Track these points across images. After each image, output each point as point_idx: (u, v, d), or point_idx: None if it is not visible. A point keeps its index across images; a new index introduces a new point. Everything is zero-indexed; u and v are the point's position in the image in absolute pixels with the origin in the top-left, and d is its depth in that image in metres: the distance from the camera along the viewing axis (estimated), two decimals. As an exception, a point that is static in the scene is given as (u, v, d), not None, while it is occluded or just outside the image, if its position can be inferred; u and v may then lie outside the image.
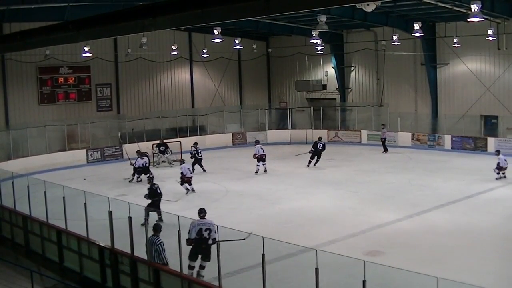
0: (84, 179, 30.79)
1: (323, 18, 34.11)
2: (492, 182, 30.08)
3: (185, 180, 29.00)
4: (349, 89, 51.98)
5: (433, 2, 33.13)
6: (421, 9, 37.92)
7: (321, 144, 36.07)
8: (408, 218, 23.38)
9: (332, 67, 52.02)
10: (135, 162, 31.81)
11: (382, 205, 25.68)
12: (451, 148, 41.98)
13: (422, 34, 37.61)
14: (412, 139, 44.15)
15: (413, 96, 47.59)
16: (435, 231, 21.47)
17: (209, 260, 15.86)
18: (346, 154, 41.14)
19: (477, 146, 40.96)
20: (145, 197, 22.67)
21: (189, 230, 15.84)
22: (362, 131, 46.81)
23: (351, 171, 34.66)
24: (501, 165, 31.17)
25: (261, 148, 34.86)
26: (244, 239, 15.79)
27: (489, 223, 22.38)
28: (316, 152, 35.93)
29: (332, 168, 36.15)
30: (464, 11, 32.19)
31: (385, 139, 42.12)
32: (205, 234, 16.00)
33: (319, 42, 41.18)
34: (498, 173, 31.13)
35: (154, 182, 23.42)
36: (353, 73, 51.70)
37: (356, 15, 38.73)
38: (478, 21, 29.65)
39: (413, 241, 20.20)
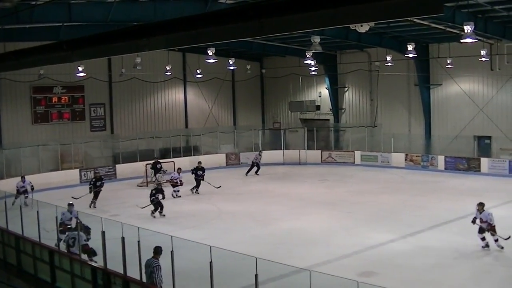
0: (73, 197, 30.60)
1: (316, 39, 34.25)
2: (486, 203, 29.99)
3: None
4: (343, 110, 52.08)
5: (426, 23, 33.28)
6: (415, 30, 38.08)
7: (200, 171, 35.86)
8: (402, 239, 23.36)
9: (326, 88, 52.16)
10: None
11: (376, 226, 25.65)
12: (445, 168, 42.06)
13: (416, 55, 37.75)
14: (406, 159, 44.20)
15: (407, 117, 47.71)
16: (429, 251, 21.44)
17: None
18: (339, 175, 41.14)
19: (471, 166, 41.04)
20: None
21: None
22: (355, 151, 46.84)
23: (345, 192, 34.65)
24: (484, 221, 22.03)
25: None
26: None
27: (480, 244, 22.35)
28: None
29: (325, 189, 36.16)
30: (457, 32, 32.32)
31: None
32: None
33: (312, 62, 41.36)
34: (483, 238, 21.79)
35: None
36: (346, 93, 51.82)
37: (350, 36, 38.87)
38: (471, 42, 29.75)
39: (407, 262, 20.15)
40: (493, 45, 40.18)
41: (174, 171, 34.91)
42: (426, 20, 32.17)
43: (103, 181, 32.28)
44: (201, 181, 34.62)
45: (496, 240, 21.38)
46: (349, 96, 51.86)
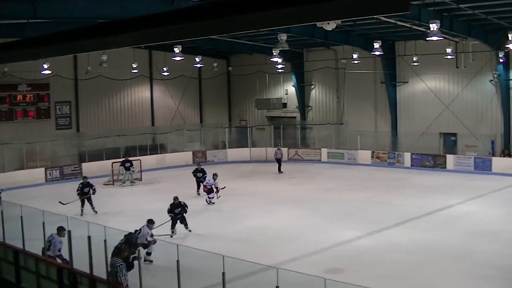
0: (60, 202, 30.05)
1: (283, 37, 34.27)
2: (451, 199, 30.32)
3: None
4: (309, 108, 52.20)
5: (393, 21, 33.43)
6: (381, 28, 38.26)
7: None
8: (368, 236, 23.45)
9: (293, 86, 52.25)
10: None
11: (343, 223, 25.74)
12: (411, 165, 42.34)
13: (382, 53, 37.92)
14: (372, 157, 44.41)
15: (373, 114, 47.95)
16: (396, 248, 21.54)
17: None
18: (306, 172, 41.19)
19: (436, 163, 41.34)
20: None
21: None
22: (322, 149, 46.94)
23: (312, 189, 34.72)
24: None
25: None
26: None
27: (449, 240, 22.53)
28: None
29: (293, 186, 36.20)
30: (424, 30, 32.53)
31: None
32: None
33: (279, 60, 41.41)
34: None
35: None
36: (313, 91, 51.95)
37: (317, 34, 38.95)
38: (437, 40, 30.11)
39: (374, 258, 20.23)
40: (458, 43, 40.61)
41: (209, 177, 31.69)
42: (392, 18, 32.33)
43: (93, 187, 29.32)
44: (202, 183, 32.97)
45: None
46: (316, 94, 51.99)
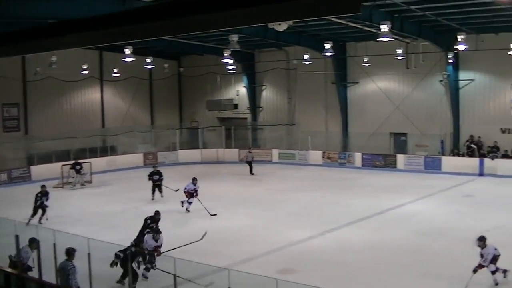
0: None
1: (235, 38, 34.29)
2: (402, 198, 30.59)
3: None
4: (261, 108, 52.27)
5: (344, 22, 33.63)
6: (332, 29, 38.46)
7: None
8: (320, 236, 23.50)
9: (244, 87, 52.31)
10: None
11: (294, 223, 25.76)
12: (362, 165, 42.68)
13: (333, 54, 38.20)
14: (323, 157, 44.64)
15: (324, 115, 48.19)
16: (348, 247, 21.63)
17: None
18: (258, 173, 41.16)
19: (387, 163, 41.71)
20: None
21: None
22: (273, 150, 47.03)
23: (263, 190, 34.74)
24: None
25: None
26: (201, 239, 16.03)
27: (400, 239, 22.71)
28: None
29: (244, 187, 36.19)
30: (374, 31, 32.78)
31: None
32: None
33: (230, 61, 41.48)
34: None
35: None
36: (264, 92, 52.02)
37: (268, 35, 38.99)
38: (388, 40, 30.37)
39: (326, 258, 20.27)
40: (409, 44, 41.05)
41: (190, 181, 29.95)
42: (343, 19, 32.53)
43: (48, 196, 27.58)
44: (160, 186, 32.36)
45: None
46: (267, 95, 52.08)
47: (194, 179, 29.37)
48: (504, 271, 16.48)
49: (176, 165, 44.67)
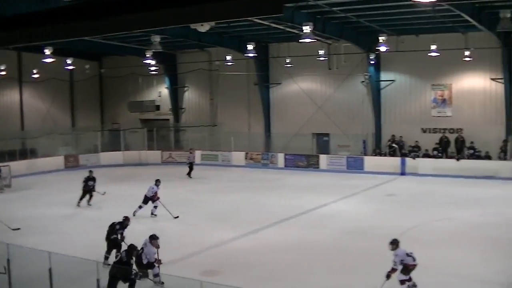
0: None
1: (157, 39, 34.10)
2: (325, 198, 30.82)
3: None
4: (183, 110, 52.07)
5: (267, 23, 33.74)
6: (255, 30, 38.55)
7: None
8: (244, 237, 23.46)
9: (166, 88, 52.07)
10: None
11: (218, 224, 25.66)
12: (285, 166, 42.91)
13: (256, 55, 38.32)
14: (246, 158, 44.72)
15: (247, 116, 48.29)
16: (272, 248, 21.65)
17: None
18: (180, 174, 40.95)
19: (310, 163, 42.03)
20: None
21: None
22: (196, 151, 46.84)
23: (186, 191, 34.56)
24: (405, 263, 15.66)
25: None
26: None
27: (324, 238, 22.84)
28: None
29: (167, 189, 35.74)
30: (297, 32, 32.96)
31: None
32: None
33: (152, 62, 41.24)
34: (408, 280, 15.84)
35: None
36: (186, 93, 51.87)
37: (190, 36, 38.86)
38: (310, 42, 30.61)
39: (250, 259, 20.25)
40: (331, 45, 41.45)
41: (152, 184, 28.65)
42: (266, 20, 32.62)
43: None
44: (92, 192, 30.55)
45: None
46: (190, 96, 51.94)
47: (158, 181, 28.42)
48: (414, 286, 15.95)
49: (98, 168, 44.02)
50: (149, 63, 42.39)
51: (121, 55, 50.47)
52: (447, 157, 39.70)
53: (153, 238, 17.31)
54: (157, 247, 17.08)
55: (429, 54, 36.77)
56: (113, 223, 19.87)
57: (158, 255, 16.95)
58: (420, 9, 31.11)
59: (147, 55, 39.80)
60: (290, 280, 17.97)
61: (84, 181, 30.35)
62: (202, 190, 34.87)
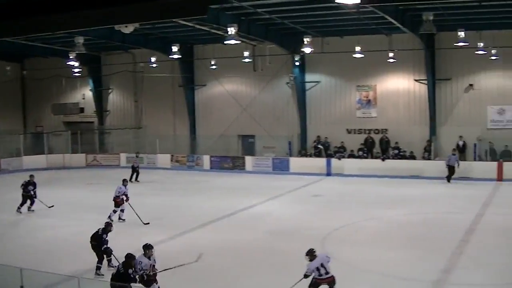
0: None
1: (80, 40, 33.66)
2: (252, 200, 30.89)
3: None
4: (107, 112, 51.57)
5: (191, 25, 33.67)
6: (180, 31, 38.43)
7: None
8: (171, 239, 23.33)
9: (90, 90, 51.45)
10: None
11: (146, 228, 25.44)
12: (210, 168, 42.95)
13: (180, 56, 38.15)
14: (172, 160, 44.57)
15: (172, 118, 48.16)
16: (199, 250, 21.52)
17: None
18: (105, 178, 40.50)
19: (235, 165, 42.17)
20: None
21: None
22: (121, 154, 46.53)
23: (111, 195, 34.17)
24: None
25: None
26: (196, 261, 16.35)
27: (251, 239, 22.85)
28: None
29: (92, 192, 35.55)
30: (222, 33, 32.97)
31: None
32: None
33: (76, 64, 40.70)
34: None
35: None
36: (111, 95, 51.42)
37: (114, 37, 38.54)
38: (235, 43, 30.65)
39: (177, 262, 20.11)
40: (256, 46, 41.51)
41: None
42: (191, 22, 32.57)
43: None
44: (33, 197, 29.18)
45: None
46: (114, 98, 51.50)
47: (125, 180, 28.07)
48: None
49: (21, 172, 43.19)
50: (73, 65, 41.86)
51: (44, 56, 49.56)
52: (372, 157, 40.34)
53: (147, 248, 16.20)
54: (149, 257, 16.08)
55: (353, 55, 37.20)
56: (97, 232, 19.17)
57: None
58: (345, 11, 31.43)
59: (70, 57, 39.27)
60: (219, 282, 17.97)
61: (22, 186, 29.20)
62: (128, 193, 34.52)
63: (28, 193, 29.01)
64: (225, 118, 45.33)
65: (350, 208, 28.84)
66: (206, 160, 43.66)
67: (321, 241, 21.37)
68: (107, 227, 19.22)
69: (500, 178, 35.80)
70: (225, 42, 30.58)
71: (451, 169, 35.40)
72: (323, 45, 39.65)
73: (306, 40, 34.13)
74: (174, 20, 27.86)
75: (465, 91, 39.26)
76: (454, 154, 35.99)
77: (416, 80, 40.08)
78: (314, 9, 32.16)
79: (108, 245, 18.80)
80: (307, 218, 26.84)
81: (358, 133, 41.86)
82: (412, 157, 39.08)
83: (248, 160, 42.32)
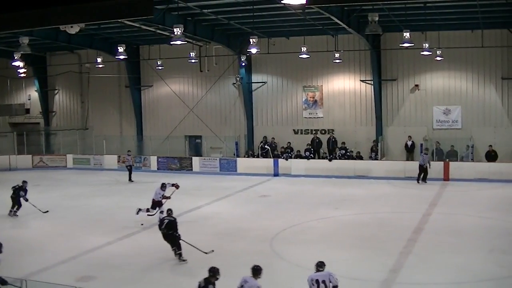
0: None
1: (25, 40, 33.28)
2: (199, 201, 30.90)
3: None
4: (54, 113, 51.10)
5: (137, 25, 33.60)
6: (126, 32, 38.25)
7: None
8: (119, 241, 23.27)
9: (36, 91, 50.89)
10: None
11: (91, 229, 25.31)
12: (157, 169, 42.84)
13: (126, 57, 37.93)
14: (119, 161, 44.26)
15: (118, 119, 47.98)
16: (146, 251, 21.55)
17: None
18: (52, 179, 40.21)
19: (183, 166, 42.09)
20: None
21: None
22: (67, 155, 46.15)
23: (58, 196, 33.92)
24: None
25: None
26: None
27: (199, 240, 22.73)
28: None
29: (38, 194, 35.03)
30: (168, 34, 33.00)
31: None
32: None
33: (21, 64, 40.19)
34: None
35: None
36: (57, 96, 50.96)
37: (60, 37, 38.24)
38: (181, 44, 30.64)
39: (125, 263, 20.07)
40: (202, 47, 41.57)
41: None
42: (137, 22, 32.52)
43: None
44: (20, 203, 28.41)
45: None
46: (60, 99, 51.03)
47: (163, 184, 27.49)
48: None
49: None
50: (18, 65, 41.37)
51: (-13, 57, 49.02)
52: (319, 157, 40.61)
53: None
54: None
55: (299, 56, 37.36)
56: (174, 219, 20.98)
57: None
58: (291, 12, 31.67)
59: (15, 57, 38.81)
60: (164, 283, 17.95)
61: (14, 189, 28.64)
62: (74, 195, 34.30)
63: (17, 197, 28.47)
64: (172, 118, 45.29)
65: (298, 209, 29.02)
66: (153, 161, 43.51)
67: (269, 241, 21.50)
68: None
69: (446, 178, 36.30)
70: (171, 43, 30.53)
71: (423, 169, 35.66)
72: (270, 45, 39.79)
73: (252, 40, 34.24)
74: (119, 20, 27.76)
75: (411, 91, 39.82)
76: (426, 154, 36.31)
77: (362, 81, 40.52)
78: (260, 10, 32.29)
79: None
80: (254, 218, 26.97)
81: (305, 134, 42.16)
82: (359, 157, 39.44)
83: (195, 161, 42.27)
